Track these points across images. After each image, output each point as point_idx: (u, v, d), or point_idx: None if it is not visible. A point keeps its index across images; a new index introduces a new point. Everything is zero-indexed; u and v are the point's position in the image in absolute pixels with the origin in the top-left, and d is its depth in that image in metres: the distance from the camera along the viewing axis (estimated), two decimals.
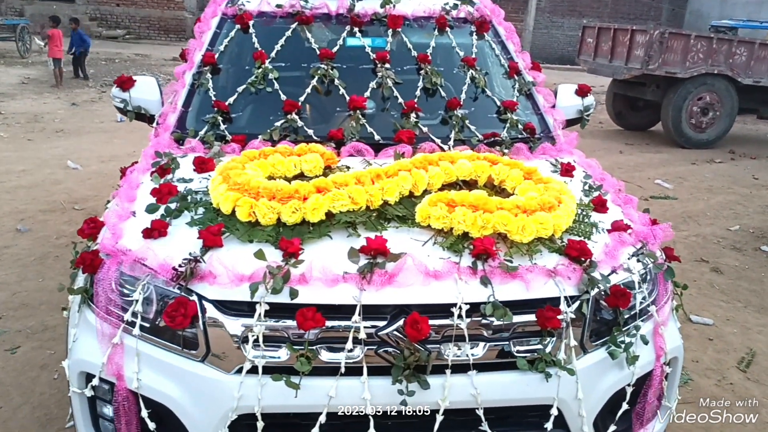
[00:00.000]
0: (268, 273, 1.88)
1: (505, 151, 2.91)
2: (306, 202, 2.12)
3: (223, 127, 2.95)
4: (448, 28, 3.42)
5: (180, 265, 1.95)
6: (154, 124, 3.12)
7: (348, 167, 2.58)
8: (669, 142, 10.82)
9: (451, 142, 2.95)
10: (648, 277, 2.24)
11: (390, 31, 3.33)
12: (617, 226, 2.31)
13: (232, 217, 2.16)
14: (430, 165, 2.44)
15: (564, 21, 27.56)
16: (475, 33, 3.48)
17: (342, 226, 2.14)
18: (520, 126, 3.12)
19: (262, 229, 2.10)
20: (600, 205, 2.45)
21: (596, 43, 11.53)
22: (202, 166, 2.55)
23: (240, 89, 3.08)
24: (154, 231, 2.11)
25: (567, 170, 2.75)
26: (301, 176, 2.49)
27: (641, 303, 2.18)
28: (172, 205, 2.27)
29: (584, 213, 2.38)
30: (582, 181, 2.72)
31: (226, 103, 3.02)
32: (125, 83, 3.19)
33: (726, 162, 9.85)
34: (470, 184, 2.51)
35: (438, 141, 2.95)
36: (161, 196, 2.33)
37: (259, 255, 1.94)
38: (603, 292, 2.06)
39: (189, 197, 2.33)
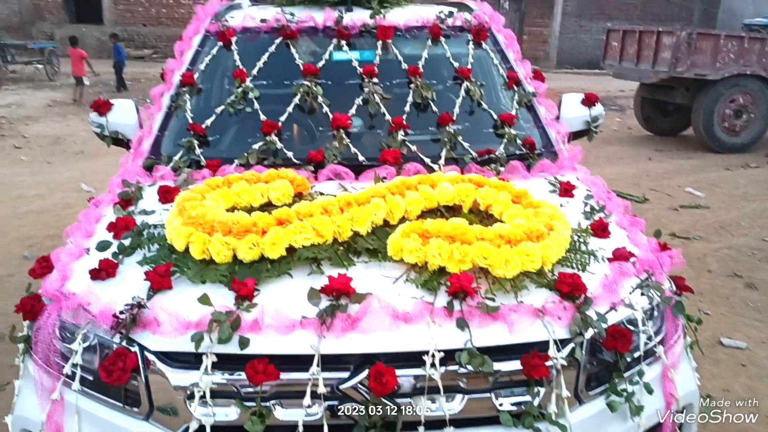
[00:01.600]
0: (213, 321, 1.68)
1: (500, 169, 2.66)
2: (264, 236, 1.91)
3: (198, 151, 2.77)
4: (442, 38, 3.20)
5: (121, 312, 1.76)
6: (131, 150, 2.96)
7: (321, 193, 2.37)
8: (701, 147, 10.35)
9: (441, 161, 2.72)
10: (654, 313, 1.96)
11: (380, 43, 3.12)
12: (619, 254, 2.04)
13: (186, 254, 1.96)
14: (408, 190, 2.21)
15: (592, 25, 27.03)
16: (472, 42, 3.25)
17: (304, 263, 1.92)
18: (518, 141, 2.86)
19: (216, 267, 1.90)
20: (600, 230, 2.18)
21: (622, 46, 11.13)
22: (167, 195, 2.37)
23: (218, 110, 2.90)
24: (102, 271, 1.93)
25: (566, 190, 2.49)
26: (269, 206, 2.29)
27: (646, 343, 1.90)
28: (126, 242, 2.09)
29: (581, 240, 2.11)
30: (583, 202, 2.45)
31: (203, 126, 2.85)
32: (102, 107, 3.04)
33: (762, 167, 9.34)
34: (455, 210, 2.28)
35: (427, 160, 2.72)
36: (117, 230, 2.15)
37: (204, 300, 1.73)
38: (599, 333, 1.80)
39: (145, 232, 2.15)
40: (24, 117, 12.22)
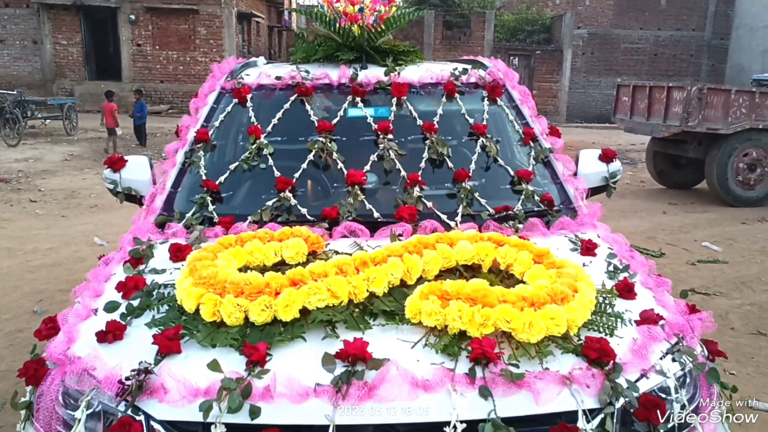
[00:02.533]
0: (223, 388, 1.60)
1: (519, 226, 2.60)
2: (277, 297, 1.84)
3: (211, 208, 2.73)
4: (457, 95, 3.19)
5: (127, 378, 1.68)
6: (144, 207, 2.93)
7: (336, 252, 2.31)
8: (716, 201, 10.27)
9: (458, 218, 2.66)
10: (687, 380, 1.86)
11: (394, 100, 3.11)
12: (647, 317, 1.95)
13: (197, 316, 1.89)
14: (426, 248, 2.15)
15: (600, 80, 27.46)
16: (486, 98, 3.24)
17: (318, 326, 1.85)
18: (536, 197, 2.81)
19: (227, 330, 1.83)
20: (626, 291, 2.10)
21: (632, 101, 11.23)
22: (178, 254, 2.32)
23: (232, 167, 2.88)
24: (109, 334, 1.86)
25: (588, 248, 2.42)
26: (282, 264, 2.23)
27: (680, 413, 1.79)
28: (135, 302, 2.03)
29: (606, 301, 2.03)
30: (606, 261, 2.38)
31: (217, 182, 2.82)
32: (116, 163, 3.02)
33: None
34: (474, 270, 2.20)
35: (444, 217, 2.66)
36: (126, 290, 2.09)
37: (214, 366, 1.66)
38: (631, 403, 1.70)
39: (155, 292, 2.09)
40: (41, 171, 12.39)
